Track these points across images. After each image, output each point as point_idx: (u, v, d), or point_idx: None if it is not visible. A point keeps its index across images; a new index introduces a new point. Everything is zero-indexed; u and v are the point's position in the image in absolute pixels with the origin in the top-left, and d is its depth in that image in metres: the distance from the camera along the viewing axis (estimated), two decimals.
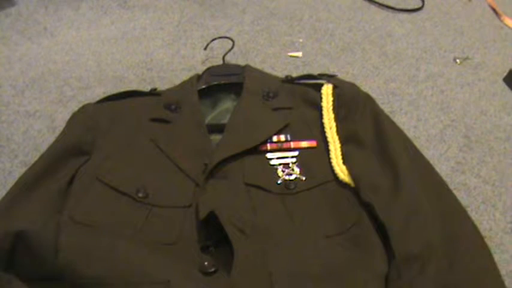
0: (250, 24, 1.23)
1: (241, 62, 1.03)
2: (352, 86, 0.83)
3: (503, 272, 0.73)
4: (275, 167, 0.73)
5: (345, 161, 0.73)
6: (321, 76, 0.87)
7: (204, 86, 0.87)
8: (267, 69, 1.07)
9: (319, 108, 0.80)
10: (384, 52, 1.16)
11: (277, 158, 0.74)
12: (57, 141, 0.77)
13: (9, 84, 1.05)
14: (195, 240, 0.64)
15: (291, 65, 1.11)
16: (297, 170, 0.73)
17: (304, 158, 0.75)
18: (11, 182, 0.80)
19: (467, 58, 1.16)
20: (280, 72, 1.07)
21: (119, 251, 0.61)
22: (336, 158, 0.73)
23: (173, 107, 0.81)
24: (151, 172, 0.72)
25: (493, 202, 0.84)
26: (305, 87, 0.85)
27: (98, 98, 0.87)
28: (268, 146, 0.75)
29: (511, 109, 1.03)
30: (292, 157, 0.75)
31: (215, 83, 0.88)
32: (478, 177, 0.88)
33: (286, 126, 0.78)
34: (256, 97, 0.82)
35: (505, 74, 1.11)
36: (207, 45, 1.08)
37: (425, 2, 1.33)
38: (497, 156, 0.92)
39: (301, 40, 1.19)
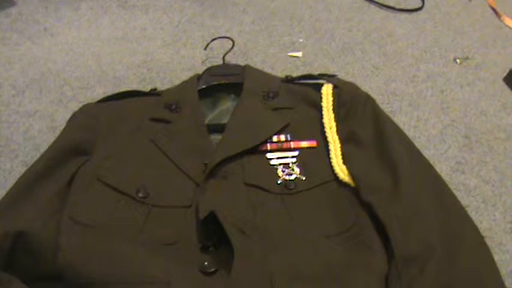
0: (250, 24, 1.23)
1: (241, 62, 1.03)
2: (352, 86, 0.83)
3: (503, 272, 0.73)
4: (275, 167, 0.73)
5: (345, 161, 0.73)
6: (321, 76, 0.87)
7: (204, 86, 0.87)
8: (267, 69, 1.07)
9: (319, 108, 0.80)
10: (384, 52, 1.16)
11: (277, 158, 0.74)
12: (57, 141, 0.77)
13: (9, 84, 1.05)
14: (195, 240, 0.64)
15: (291, 65, 1.11)
16: (297, 170, 0.73)
17: (304, 158, 0.75)
18: (11, 182, 0.80)
19: (467, 58, 1.16)
20: (280, 72, 1.07)
21: (119, 251, 0.61)
22: (336, 158, 0.73)
23: (173, 107, 0.81)
24: (152, 172, 0.72)
25: (493, 202, 0.84)
26: (305, 87, 0.85)
27: (98, 98, 0.87)
28: (268, 146, 0.75)
29: (511, 109, 1.03)
30: (292, 157, 0.75)
31: (215, 83, 0.88)
32: (478, 177, 0.88)
33: (286, 126, 0.78)
34: (256, 97, 0.82)
35: (505, 74, 1.11)
36: (207, 45, 1.08)
37: (425, 2, 1.33)
38: (497, 156, 0.92)
39: (301, 40, 1.19)
